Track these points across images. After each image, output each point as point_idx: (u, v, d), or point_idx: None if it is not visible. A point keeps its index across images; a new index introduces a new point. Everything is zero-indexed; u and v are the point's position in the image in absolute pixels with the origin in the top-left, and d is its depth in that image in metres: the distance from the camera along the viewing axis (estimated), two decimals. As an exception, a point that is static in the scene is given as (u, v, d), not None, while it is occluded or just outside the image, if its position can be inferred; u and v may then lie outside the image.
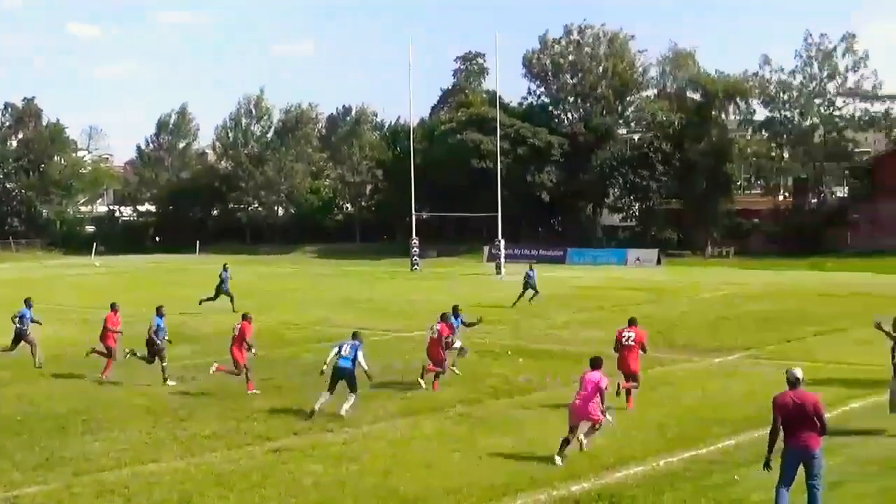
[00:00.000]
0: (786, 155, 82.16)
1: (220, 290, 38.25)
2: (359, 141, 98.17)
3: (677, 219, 79.37)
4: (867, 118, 77.11)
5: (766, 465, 12.27)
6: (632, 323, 20.09)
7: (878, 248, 68.33)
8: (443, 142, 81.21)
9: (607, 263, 68.13)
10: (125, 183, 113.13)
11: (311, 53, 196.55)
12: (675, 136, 78.53)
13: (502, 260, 61.36)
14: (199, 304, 37.37)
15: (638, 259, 68.97)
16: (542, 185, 78.73)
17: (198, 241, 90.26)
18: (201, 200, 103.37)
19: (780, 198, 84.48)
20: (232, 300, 37.44)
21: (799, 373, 12.41)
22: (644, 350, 19.71)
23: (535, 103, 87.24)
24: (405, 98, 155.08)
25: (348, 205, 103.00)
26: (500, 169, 66.16)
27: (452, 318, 23.00)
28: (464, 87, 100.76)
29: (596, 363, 15.77)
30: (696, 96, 79.87)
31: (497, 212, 63.24)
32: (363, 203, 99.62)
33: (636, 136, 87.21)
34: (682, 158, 77.18)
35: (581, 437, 15.31)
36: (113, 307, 24.24)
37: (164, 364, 22.28)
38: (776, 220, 77.62)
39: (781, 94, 77.70)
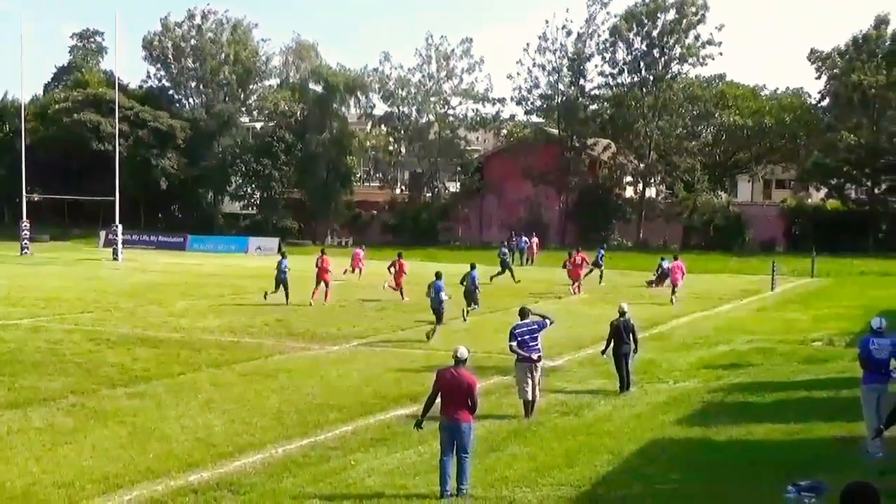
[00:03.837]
0: (403, 150, 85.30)
1: None
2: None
3: (299, 208, 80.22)
4: (478, 118, 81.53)
5: (418, 426, 13.28)
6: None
7: (485, 240, 72.79)
8: (58, 121, 77.23)
9: (228, 251, 67.79)
10: None
11: None
12: (298, 126, 79.38)
13: (120, 245, 59.51)
14: None
15: (259, 248, 69.05)
16: (163, 169, 76.99)
17: None
18: None
19: (398, 191, 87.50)
20: None
21: (463, 353, 13.11)
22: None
23: (155, 86, 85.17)
24: (15, 74, 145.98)
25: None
26: (120, 151, 64.06)
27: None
28: (81, 66, 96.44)
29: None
30: (319, 88, 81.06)
31: (115, 196, 61.19)
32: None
33: (259, 125, 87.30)
34: (304, 149, 78.16)
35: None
36: None
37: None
38: (394, 212, 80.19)
39: (400, 91, 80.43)
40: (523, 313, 18.10)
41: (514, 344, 17.37)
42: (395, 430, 16.29)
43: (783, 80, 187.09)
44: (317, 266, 35.51)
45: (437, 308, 27.93)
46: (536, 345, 17.48)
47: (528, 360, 17.34)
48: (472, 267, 32.09)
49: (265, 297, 34.54)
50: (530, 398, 17.36)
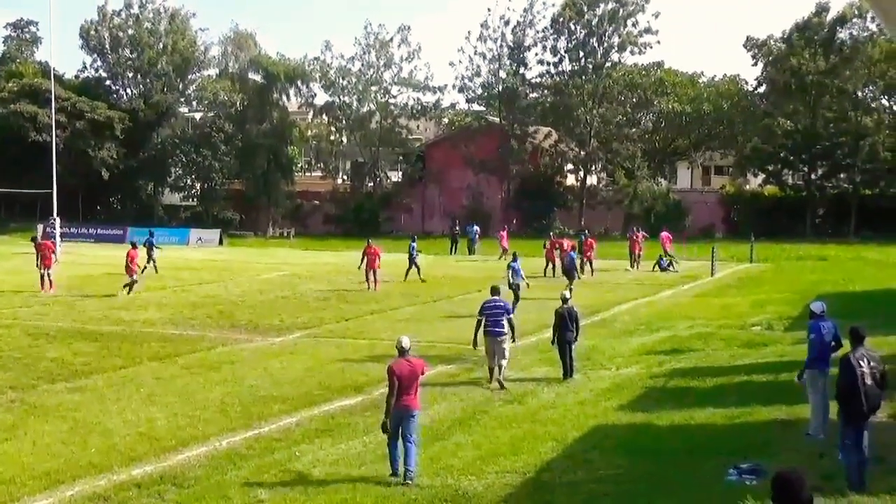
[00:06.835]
0: (344, 139, 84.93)
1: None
2: None
3: (240, 199, 79.59)
4: (420, 107, 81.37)
5: (384, 428, 12.92)
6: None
7: (428, 230, 72.76)
8: (-7, 113, 75.91)
9: (169, 243, 66.95)
10: None
11: None
12: (238, 116, 78.73)
13: (58, 238, 58.62)
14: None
15: (200, 239, 68.38)
16: (102, 161, 75.89)
17: None
18: None
19: (340, 181, 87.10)
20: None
21: (407, 342, 13.28)
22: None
23: (91, 77, 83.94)
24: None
25: None
26: (57, 143, 63.11)
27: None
28: (15, 56, 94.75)
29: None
30: (258, 78, 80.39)
31: (52, 188, 60.26)
32: None
33: (198, 115, 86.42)
34: (245, 139, 77.51)
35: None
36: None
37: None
38: (335, 202, 79.71)
39: (341, 80, 79.99)
40: (494, 290, 19.70)
41: (483, 318, 18.91)
42: (339, 420, 16.27)
43: (720, 68, 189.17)
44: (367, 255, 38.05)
45: (514, 288, 29.07)
46: (501, 319, 18.91)
47: (493, 333, 18.78)
48: (573, 248, 39.51)
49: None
50: (495, 365, 18.76)
